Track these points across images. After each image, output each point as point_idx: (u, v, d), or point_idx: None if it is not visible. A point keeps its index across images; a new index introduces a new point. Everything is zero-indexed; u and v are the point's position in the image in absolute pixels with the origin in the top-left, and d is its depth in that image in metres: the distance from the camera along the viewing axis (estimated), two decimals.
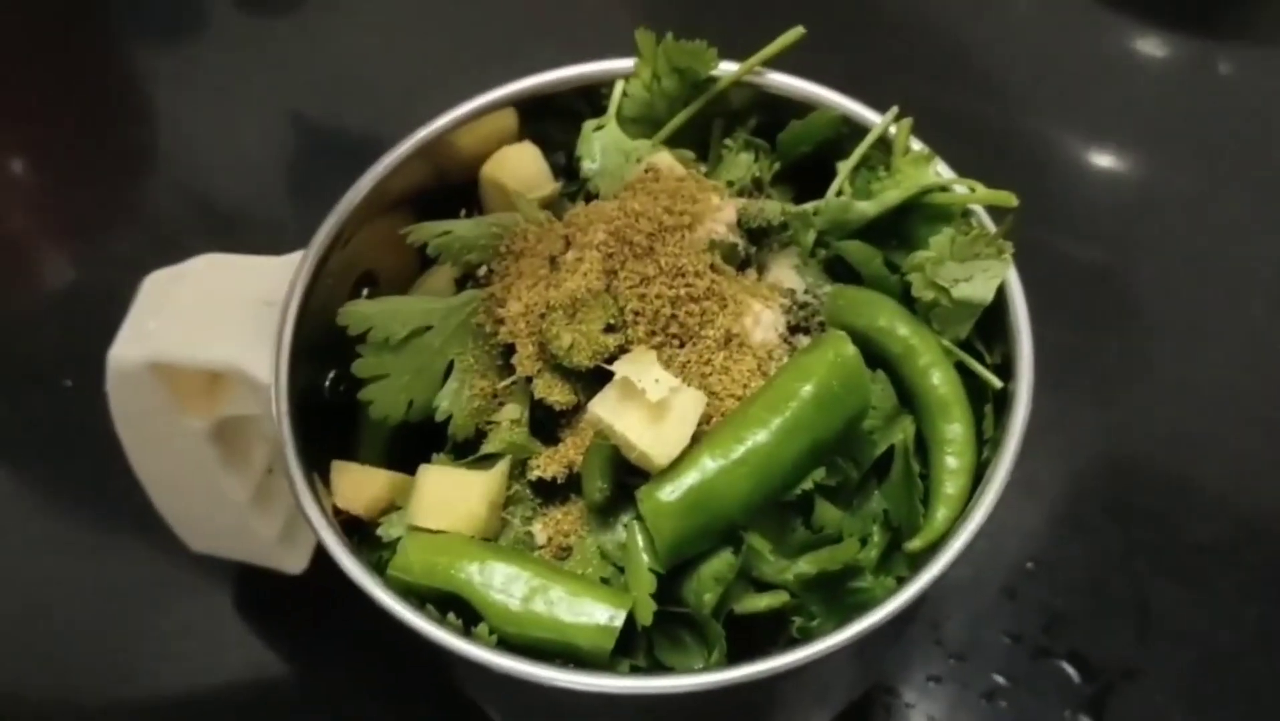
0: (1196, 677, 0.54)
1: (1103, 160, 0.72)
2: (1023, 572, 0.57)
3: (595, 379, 0.39)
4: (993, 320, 0.41)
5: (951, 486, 0.39)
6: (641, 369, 0.36)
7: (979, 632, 0.56)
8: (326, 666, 0.56)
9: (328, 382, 0.44)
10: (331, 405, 0.44)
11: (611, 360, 0.38)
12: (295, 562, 0.53)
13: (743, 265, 0.43)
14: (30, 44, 0.80)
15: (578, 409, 0.40)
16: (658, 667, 0.38)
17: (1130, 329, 0.65)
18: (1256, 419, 0.61)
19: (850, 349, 0.37)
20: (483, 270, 0.42)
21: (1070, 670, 0.55)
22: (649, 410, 0.36)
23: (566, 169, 0.48)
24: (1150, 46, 0.77)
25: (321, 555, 0.39)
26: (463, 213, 0.47)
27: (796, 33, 0.44)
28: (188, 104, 0.76)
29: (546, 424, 0.40)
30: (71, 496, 0.61)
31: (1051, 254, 0.67)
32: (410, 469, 0.42)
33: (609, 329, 0.38)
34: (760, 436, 0.37)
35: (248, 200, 0.72)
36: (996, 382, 0.40)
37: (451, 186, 0.47)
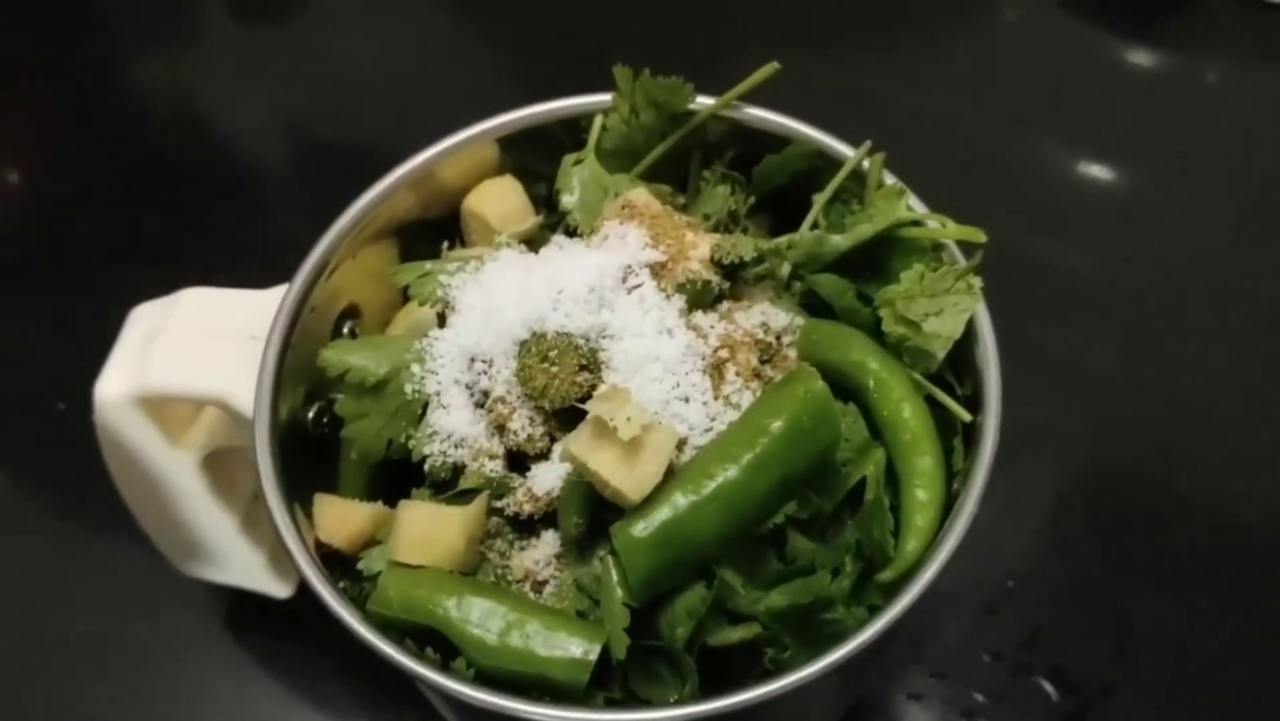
0: (1175, 692, 0.55)
1: (1087, 171, 0.73)
2: (1003, 590, 0.58)
3: (570, 416, 0.40)
4: (963, 352, 0.42)
5: (921, 519, 0.39)
6: (614, 407, 0.37)
7: (959, 650, 0.56)
8: (315, 688, 0.57)
9: (311, 416, 0.44)
10: (315, 437, 0.44)
11: (585, 399, 0.39)
12: (283, 587, 0.54)
13: (717, 299, 0.44)
14: (26, 59, 0.80)
15: (553, 446, 0.40)
16: (633, 700, 0.39)
17: (1112, 342, 0.65)
18: (1235, 434, 0.62)
19: (820, 385, 0.38)
20: None
21: (1049, 687, 0.55)
22: (622, 448, 0.37)
23: (548, 199, 0.49)
24: (1138, 57, 0.77)
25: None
26: (445, 245, 0.47)
27: (771, 68, 0.45)
28: (183, 118, 0.76)
29: (523, 460, 0.41)
30: (64, 520, 0.62)
31: (1033, 265, 0.67)
32: (393, 499, 0.43)
33: (582, 369, 0.39)
34: (731, 472, 0.37)
35: (242, 214, 0.73)
36: (966, 416, 0.41)
37: (434, 218, 0.48)
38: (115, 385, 0.45)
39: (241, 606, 0.58)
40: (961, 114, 0.74)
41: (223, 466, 0.49)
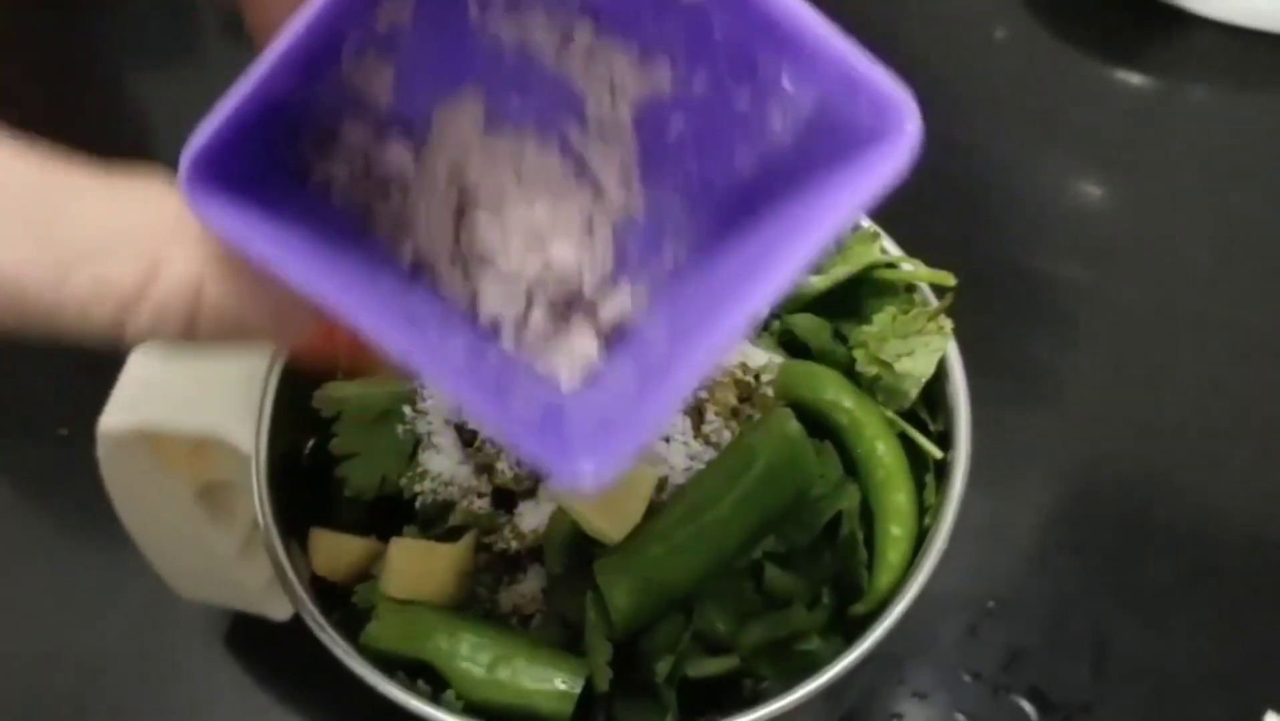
0: (1151, 712, 0.56)
1: (1074, 191, 0.74)
2: (984, 611, 0.59)
3: None
4: (935, 390, 0.43)
5: (894, 553, 0.41)
6: None
7: (941, 671, 0.58)
8: (312, 707, 0.58)
9: (306, 451, 0.46)
10: (310, 472, 0.46)
11: None
12: (281, 609, 0.55)
13: None
14: (21, 75, 0.81)
15: (538, 485, 0.42)
16: None
17: (1096, 365, 0.66)
18: (1212, 461, 0.63)
19: (794, 426, 0.40)
20: None
21: (1028, 707, 0.57)
22: None
23: None
24: (1125, 78, 0.79)
25: None
26: None
27: None
28: (180, 137, 0.77)
29: (510, 499, 0.43)
30: (65, 542, 0.63)
31: (1020, 285, 0.69)
32: (386, 532, 0.44)
33: None
34: (710, 510, 0.39)
35: None
36: (937, 453, 0.42)
37: None
38: (118, 421, 0.46)
39: (240, 627, 0.59)
40: (949, 133, 0.75)
41: (222, 496, 0.50)
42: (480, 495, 0.42)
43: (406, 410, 0.43)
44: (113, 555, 0.58)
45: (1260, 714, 0.56)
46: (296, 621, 0.55)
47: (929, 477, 0.43)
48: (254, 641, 0.59)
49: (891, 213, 0.46)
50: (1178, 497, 0.62)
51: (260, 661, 0.59)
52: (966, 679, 0.57)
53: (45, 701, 0.59)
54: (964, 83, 0.78)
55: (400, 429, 0.43)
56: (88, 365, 0.62)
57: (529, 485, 0.42)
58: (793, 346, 0.46)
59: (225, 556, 0.52)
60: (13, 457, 0.66)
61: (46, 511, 0.64)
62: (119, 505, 0.51)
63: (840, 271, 0.44)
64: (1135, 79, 0.79)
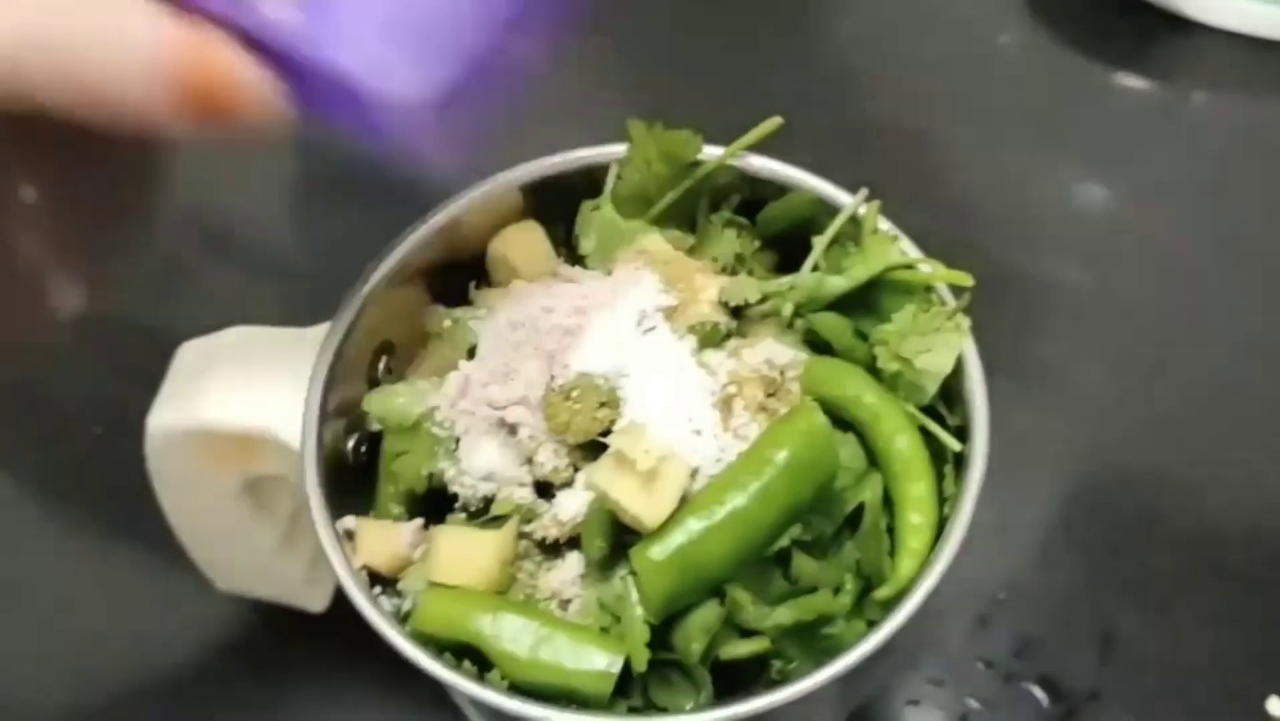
0: (1157, 699, 0.58)
1: (1077, 194, 0.76)
2: (995, 602, 0.61)
3: (591, 449, 0.43)
4: (952, 385, 0.45)
5: (916, 541, 0.43)
6: (632, 440, 0.40)
7: (954, 658, 0.60)
8: (347, 696, 0.60)
9: (350, 445, 0.48)
10: (355, 465, 0.48)
11: (605, 433, 0.42)
12: (318, 601, 0.57)
13: (725, 337, 0.47)
14: None
15: (576, 476, 0.44)
16: (652, 708, 0.43)
17: (1100, 363, 0.68)
18: (1214, 456, 0.65)
19: (820, 419, 0.42)
20: None
21: (1039, 693, 0.58)
22: (640, 477, 0.40)
23: (567, 239, 0.53)
24: (1127, 83, 0.81)
25: (342, 596, 0.43)
26: (472, 285, 0.51)
27: (774, 123, 0.48)
28: (219, 160, 0.79)
29: (549, 488, 0.45)
30: (102, 539, 0.65)
31: (1027, 286, 0.70)
32: (428, 522, 0.46)
33: (602, 406, 0.43)
34: (740, 500, 0.41)
35: (274, 239, 0.75)
36: (955, 445, 0.44)
37: (462, 261, 0.51)
38: (167, 418, 0.48)
39: (277, 620, 0.61)
40: (953, 137, 0.77)
41: (265, 491, 0.52)
42: (521, 485, 0.44)
43: (447, 408, 0.45)
44: (148, 549, 0.60)
45: (1262, 700, 0.58)
46: (330, 614, 0.57)
47: (948, 469, 0.44)
48: (289, 634, 0.61)
49: (899, 215, 0.49)
50: (1180, 492, 0.64)
51: (294, 652, 0.61)
52: (979, 667, 0.59)
53: (80, 690, 0.60)
54: (968, 87, 0.80)
55: (442, 429, 0.45)
56: (121, 366, 0.64)
57: (567, 476, 0.44)
58: (816, 344, 0.48)
59: (265, 548, 0.54)
60: (50, 457, 0.68)
61: (83, 509, 0.66)
62: (164, 499, 0.53)
63: (860, 272, 0.46)
64: (1137, 84, 0.81)
